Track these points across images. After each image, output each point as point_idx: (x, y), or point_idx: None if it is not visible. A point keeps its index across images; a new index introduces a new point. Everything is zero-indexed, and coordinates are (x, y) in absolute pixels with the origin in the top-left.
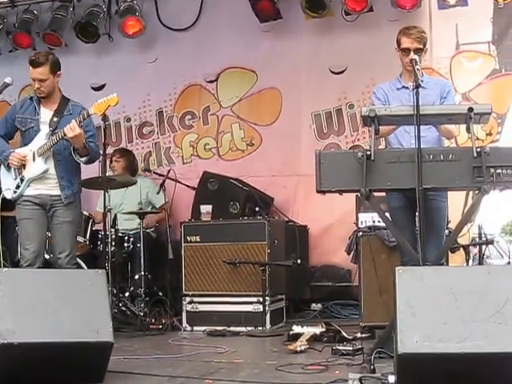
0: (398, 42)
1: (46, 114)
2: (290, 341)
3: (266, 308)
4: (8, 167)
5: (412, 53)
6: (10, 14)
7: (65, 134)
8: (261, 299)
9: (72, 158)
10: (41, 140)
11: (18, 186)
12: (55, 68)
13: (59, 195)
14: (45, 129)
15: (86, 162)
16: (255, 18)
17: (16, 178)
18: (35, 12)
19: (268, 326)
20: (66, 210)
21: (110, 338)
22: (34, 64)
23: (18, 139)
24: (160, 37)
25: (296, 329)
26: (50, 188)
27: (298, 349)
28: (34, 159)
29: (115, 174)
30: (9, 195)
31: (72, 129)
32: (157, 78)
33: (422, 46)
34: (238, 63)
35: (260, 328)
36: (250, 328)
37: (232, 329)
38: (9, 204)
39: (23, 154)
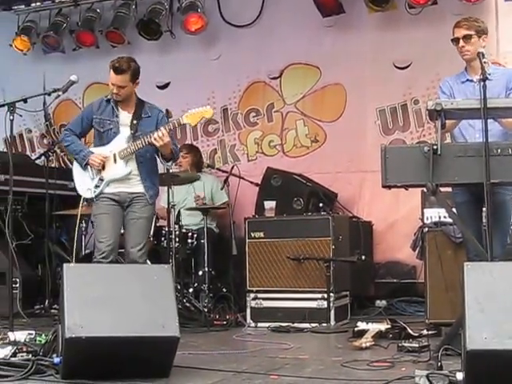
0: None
1: (124, 116)
2: (354, 337)
3: (331, 304)
4: (85, 166)
5: (461, 41)
6: (73, 12)
7: (152, 143)
8: (325, 295)
9: (152, 159)
10: (121, 142)
11: (96, 186)
12: (135, 76)
13: (142, 192)
14: (125, 131)
15: (151, 170)
16: (318, 13)
17: (94, 178)
18: (98, 10)
19: (332, 322)
20: (143, 206)
21: (176, 332)
22: (117, 71)
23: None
24: (222, 33)
25: (361, 325)
26: (130, 186)
27: (364, 345)
28: (114, 161)
29: (181, 170)
30: (87, 194)
31: (162, 138)
32: (220, 75)
33: (471, 32)
34: (301, 59)
35: (324, 324)
36: (314, 324)
37: (296, 325)
38: (72, 202)
39: (104, 155)
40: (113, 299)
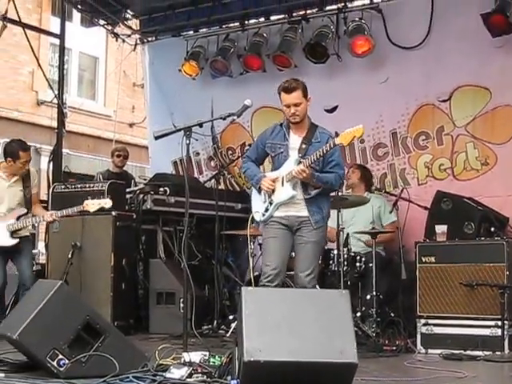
0: None
1: (294, 140)
2: None
3: (505, 332)
4: (259, 190)
5: None
6: (241, 37)
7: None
8: (499, 323)
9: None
10: (290, 166)
11: (266, 209)
12: (306, 92)
13: (307, 216)
14: (294, 155)
15: (320, 194)
16: (487, 33)
17: (265, 202)
18: (265, 35)
19: (506, 350)
20: (312, 230)
21: (355, 359)
22: (289, 90)
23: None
24: (390, 56)
25: None
26: (299, 210)
27: None
28: (282, 184)
29: (349, 183)
30: (258, 217)
31: (300, 173)
32: (389, 98)
33: None
34: (470, 81)
35: (498, 353)
36: (487, 352)
37: (468, 353)
38: (239, 224)
39: (273, 179)
40: (290, 323)
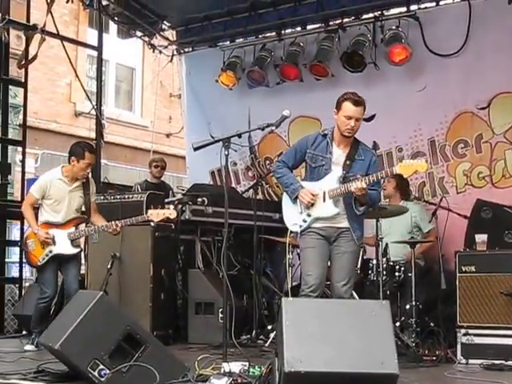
0: None
1: (338, 154)
2: None
3: None
4: (293, 200)
5: None
6: (277, 47)
7: (350, 191)
8: None
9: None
10: (332, 181)
11: (304, 221)
12: (365, 110)
13: (347, 228)
14: (337, 171)
15: (364, 211)
16: None
17: (302, 213)
18: (301, 44)
19: None
20: (349, 241)
21: (396, 369)
22: (358, 103)
23: None
24: (427, 63)
25: None
26: (338, 222)
27: None
28: (324, 199)
29: (385, 194)
30: (295, 229)
31: (360, 190)
32: (427, 106)
33: None
34: (509, 88)
35: None
36: None
37: (510, 363)
38: (277, 233)
39: (314, 193)
40: (331, 334)
